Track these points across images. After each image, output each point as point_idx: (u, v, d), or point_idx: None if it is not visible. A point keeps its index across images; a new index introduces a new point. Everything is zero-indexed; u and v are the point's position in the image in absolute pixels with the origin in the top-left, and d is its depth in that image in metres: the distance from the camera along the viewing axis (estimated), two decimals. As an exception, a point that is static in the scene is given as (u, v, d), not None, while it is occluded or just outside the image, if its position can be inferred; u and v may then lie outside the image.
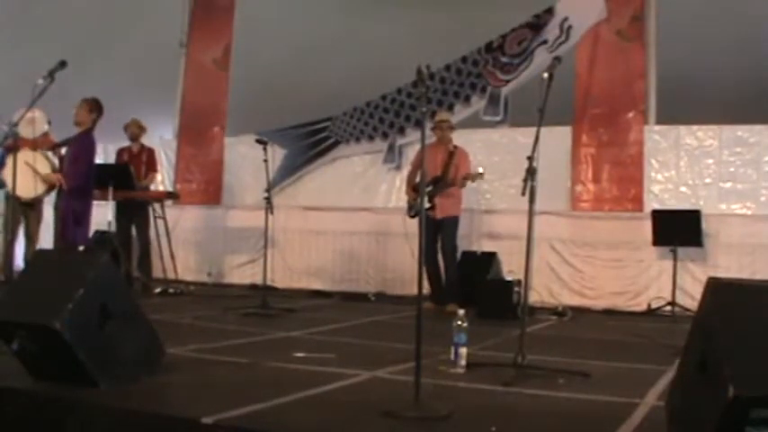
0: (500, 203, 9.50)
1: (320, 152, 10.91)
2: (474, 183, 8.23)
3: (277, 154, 10.74)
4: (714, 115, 8.83)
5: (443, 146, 8.25)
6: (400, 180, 9.83)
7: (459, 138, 8.78)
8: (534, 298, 8.68)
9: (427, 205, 7.85)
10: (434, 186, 8.08)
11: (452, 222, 8.24)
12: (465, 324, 4.62)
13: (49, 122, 8.53)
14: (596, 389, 4.23)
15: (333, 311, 8.26)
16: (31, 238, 9.10)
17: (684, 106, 9.13)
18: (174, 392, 3.97)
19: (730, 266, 8.29)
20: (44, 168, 8.11)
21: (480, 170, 8.14)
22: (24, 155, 7.98)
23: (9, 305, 4.05)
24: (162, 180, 11.44)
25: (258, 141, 8.22)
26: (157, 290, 9.09)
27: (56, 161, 8.33)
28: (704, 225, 8.33)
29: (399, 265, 9.56)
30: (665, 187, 8.96)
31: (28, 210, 8.76)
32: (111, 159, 9.93)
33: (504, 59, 9.68)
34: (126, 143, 9.60)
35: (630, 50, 9.09)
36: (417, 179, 8.37)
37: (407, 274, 9.43)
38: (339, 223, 10.41)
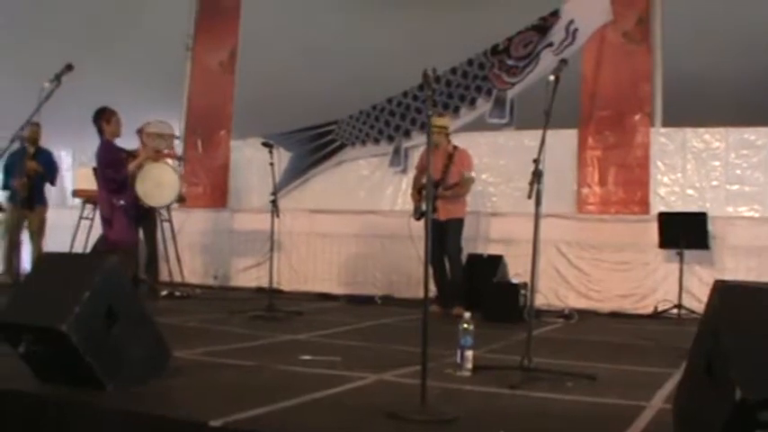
0: (506, 206, 9.50)
1: (326, 155, 10.92)
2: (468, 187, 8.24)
3: (283, 157, 10.75)
4: (721, 117, 8.82)
5: (441, 150, 8.19)
6: (406, 183, 9.83)
7: (464, 140, 8.78)
8: (540, 301, 8.63)
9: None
10: (434, 190, 8.05)
11: (457, 225, 8.22)
12: (471, 327, 4.61)
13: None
14: (603, 392, 4.22)
15: (339, 314, 8.25)
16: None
17: (691, 108, 9.12)
18: (181, 395, 3.97)
19: (737, 269, 8.27)
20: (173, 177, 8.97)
21: (472, 174, 8.15)
22: (153, 166, 8.78)
23: (16, 308, 4.06)
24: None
25: (264, 144, 8.24)
26: (164, 293, 9.11)
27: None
28: (711, 228, 8.31)
29: (405, 267, 9.56)
30: (671, 190, 8.95)
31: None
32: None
33: (509, 62, 9.68)
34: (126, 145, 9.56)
35: (636, 53, 9.09)
36: (422, 181, 8.36)
37: (413, 277, 9.42)
38: (345, 226, 10.41)
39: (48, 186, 9.81)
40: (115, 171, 8.16)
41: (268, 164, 8.03)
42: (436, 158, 8.06)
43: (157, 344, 4.25)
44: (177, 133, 9.65)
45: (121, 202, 8.18)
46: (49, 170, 9.45)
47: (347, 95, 10.85)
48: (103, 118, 8.25)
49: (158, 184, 8.72)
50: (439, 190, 8.04)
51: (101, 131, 8.27)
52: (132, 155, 8.55)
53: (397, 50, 10.57)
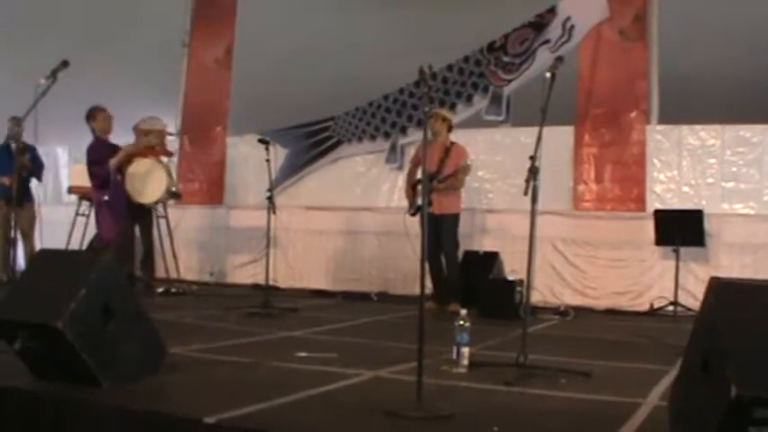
0: (502, 203, 9.49)
1: (322, 152, 10.91)
2: (467, 175, 8.21)
3: (279, 154, 10.73)
4: (716, 115, 8.82)
5: (439, 142, 8.20)
6: (402, 180, 9.80)
7: (461, 137, 8.77)
8: (536, 297, 8.68)
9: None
10: (429, 182, 8.01)
11: (452, 220, 8.19)
12: (467, 324, 4.61)
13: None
14: (599, 389, 4.23)
15: (335, 311, 8.26)
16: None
17: (687, 106, 9.12)
18: (176, 392, 3.98)
19: (733, 266, 8.28)
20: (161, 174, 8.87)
21: (468, 162, 8.12)
22: (143, 163, 8.73)
23: (11, 304, 4.05)
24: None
25: (260, 141, 8.23)
26: (160, 289, 9.08)
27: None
28: (707, 225, 8.32)
29: (401, 264, 9.55)
30: (667, 187, 8.95)
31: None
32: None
33: (506, 59, 9.68)
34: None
35: (633, 50, 9.08)
36: (416, 176, 8.34)
37: (410, 274, 9.41)
38: (341, 223, 10.42)
39: (42, 183, 9.83)
40: (99, 167, 8.32)
41: (264, 160, 8.01)
42: (433, 150, 8.05)
43: (153, 340, 4.24)
44: (170, 129, 9.59)
45: (105, 198, 8.35)
46: (36, 166, 9.47)
47: (344, 93, 10.84)
48: (90, 117, 8.58)
49: (147, 180, 8.71)
50: (434, 183, 8.01)
51: (92, 130, 8.45)
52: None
53: (394, 49, 10.55)
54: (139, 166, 8.70)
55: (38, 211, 9.61)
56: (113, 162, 8.43)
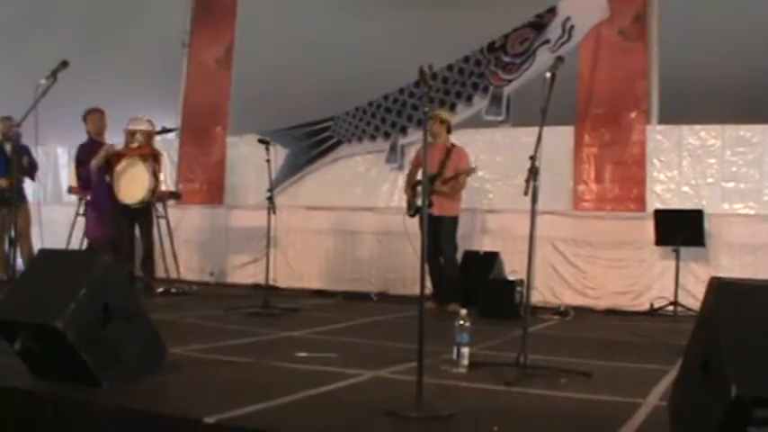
0: (502, 203, 9.48)
1: (322, 152, 10.91)
2: (469, 177, 8.22)
3: (279, 154, 10.73)
4: (717, 115, 8.82)
5: (439, 144, 8.21)
6: (402, 180, 9.80)
7: (461, 138, 8.78)
8: (536, 298, 8.68)
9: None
10: (430, 184, 8.02)
11: (451, 222, 8.20)
12: (467, 324, 4.61)
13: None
14: (598, 389, 4.23)
15: (335, 311, 8.26)
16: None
17: (687, 106, 9.12)
18: (177, 392, 3.98)
19: (733, 266, 8.27)
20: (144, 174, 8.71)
21: (472, 165, 8.13)
22: (128, 163, 8.67)
23: (11, 304, 4.05)
24: (164, 180, 11.41)
25: (260, 141, 8.23)
26: (160, 290, 9.08)
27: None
28: (707, 225, 8.32)
29: (402, 264, 9.55)
30: (667, 187, 8.95)
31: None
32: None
33: (506, 59, 9.67)
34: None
35: (633, 50, 9.08)
36: (416, 177, 8.34)
37: (410, 274, 9.43)
38: (341, 223, 10.41)
39: (36, 182, 9.84)
40: (83, 168, 8.46)
41: (264, 160, 8.00)
42: (434, 152, 8.06)
43: (153, 341, 4.24)
44: (158, 128, 9.45)
45: (88, 198, 8.67)
46: (32, 166, 9.49)
47: (344, 93, 10.84)
48: (83, 118, 8.78)
49: (131, 180, 8.68)
50: (436, 184, 8.01)
51: (87, 131, 8.58)
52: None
53: (394, 49, 10.55)
54: (124, 167, 8.67)
55: (36, 210, 9.60)
56: (93, 163, 8.52)
